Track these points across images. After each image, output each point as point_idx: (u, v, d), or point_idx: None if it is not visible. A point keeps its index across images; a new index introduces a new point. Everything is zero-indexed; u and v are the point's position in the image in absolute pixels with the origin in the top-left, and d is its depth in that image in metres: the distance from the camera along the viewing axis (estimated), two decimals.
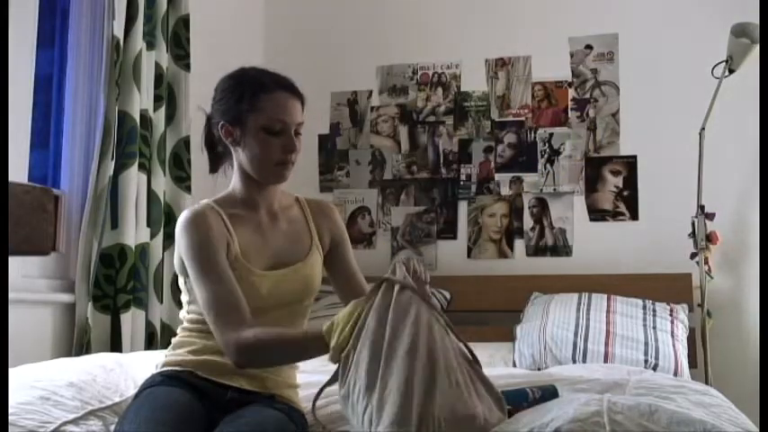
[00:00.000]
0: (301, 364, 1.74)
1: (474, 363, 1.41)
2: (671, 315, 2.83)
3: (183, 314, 1.73)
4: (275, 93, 1.64)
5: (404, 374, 1.26)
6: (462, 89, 3.58)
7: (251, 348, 1.49)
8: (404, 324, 1.33)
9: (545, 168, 3.44)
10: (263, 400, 1.59)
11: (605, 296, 2.91)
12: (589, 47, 3.45)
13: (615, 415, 1.20)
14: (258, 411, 1.53)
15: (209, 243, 1.60)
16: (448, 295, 3.20)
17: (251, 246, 1.66)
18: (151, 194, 2.66)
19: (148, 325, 2.60)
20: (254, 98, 1.63)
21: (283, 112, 1.63)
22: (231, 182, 1.74)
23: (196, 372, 1.60)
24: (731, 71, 2.97)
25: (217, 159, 1.77)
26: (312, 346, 1.47)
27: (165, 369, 1.63)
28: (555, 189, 3.42)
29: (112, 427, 1.56)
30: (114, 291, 2.48)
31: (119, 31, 2.51)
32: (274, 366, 1.62)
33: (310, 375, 1.78)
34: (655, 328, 2.73)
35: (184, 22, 2.88)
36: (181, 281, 1.71)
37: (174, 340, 1.71)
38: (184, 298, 1.71)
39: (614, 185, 3.36)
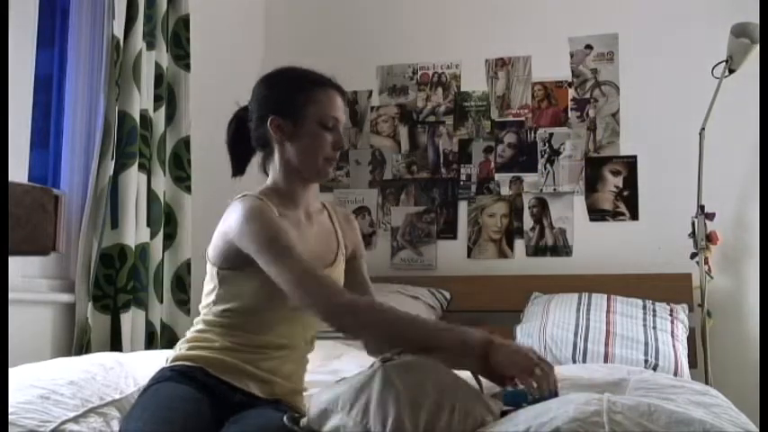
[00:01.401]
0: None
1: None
2: (671, 315, 2.83)
3: (204, 309, 1.68)
4: (329, 89, 1.69)
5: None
6: (462, 89, 3.58)
7: (373, 307, 1.49)
8: None
9: (545, 168, 3.44)
10: (269, 404, 1.58)
11: (605, 296, 2.90)
12: (589, 47, 3.45)
13: (615, 415, 1.20)
14: (262, 413, 1.52)
15: (279, 227, 1.58)
16: (448, 295, 3.20)
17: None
18: (151, 194, 2.66)
19: (148, 325, 2.60)
20: (312, 91, 1.67)
21: (337, 109, 1.68)
22: (269, 179, 1.73)
23: (207, 369, 1.58)
24: (731, 71, 2.98)
25: (243, 160, 1.76)
26: (447, 334, 1.49)
27: (175, 364, 1.61)
28: (555, 189, 3.42)
29: (113, 423, 1.56)
30: (114, 291, 2.47)
31: (119, 31, 2.51)
32: (377, 338, 1.55)
33: (311, 375, 1.78)
34: (655, 328, 2.73)
35: (184, 22, 2.88)
36: (212, 270, 1.66)
37: (189, 335, 1.68)
38: (209, 287, 1.67)
39: (614, 185, 3.36)
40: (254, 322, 1.62)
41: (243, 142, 1.74)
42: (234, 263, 1.61)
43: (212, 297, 1.66)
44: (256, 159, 1.79)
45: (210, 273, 1.67)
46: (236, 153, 1.76)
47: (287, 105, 1.66)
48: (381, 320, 1.51)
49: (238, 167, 1.76)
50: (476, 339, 1.46)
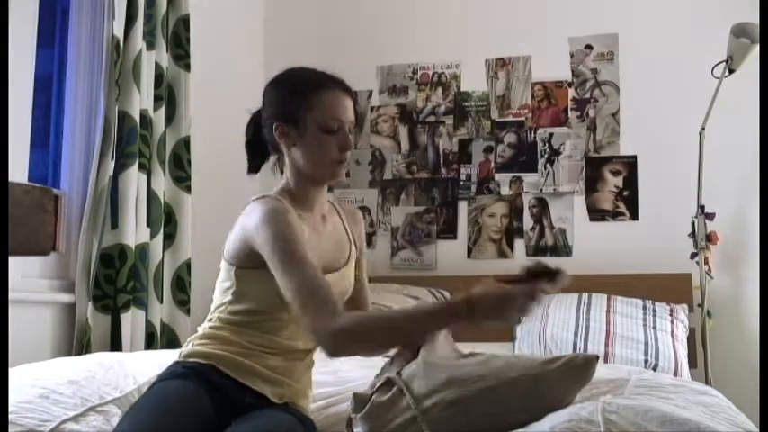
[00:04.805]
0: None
1: None
2: (671, 315, 2.83)
3: (219, 307, 1.66)
4: (330, 90, 1.65)
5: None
6: (462, 89, 3.59)
7: (349, 332, 1.43)
8: None
9: (545, 168, 3.44)
10: (277, 406, 1.58)
11: (605, 296, 2.91)
12: (589, 47, 3.45)
13: (610, 414, 1.20)
14: (270, 414, 1.51)
15: (294, 233, 1.56)
16: (448, 295, 3.19)
17: (309, 246, 1.61)
18: (151, 194, 2.66)
19: (148, 325, 2.60)
20: (310, 96, 1.63)
21: (338, 111, 1.64)
22: (284, 181, 1.72)
23: (219, 367, 1.57)
24: (731, 71, 2.97)
25: (258, 160, 1.76)
26: (434, 314, 1.45)
27: (188, 360, 1.60)
28: (555, 189, 3.42)
29: (113, 421, 1.55)
30: (114, 291, 2.48)
31: (119, 31, 2.51)
32: (375, 350, 1.53)
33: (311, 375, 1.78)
34: (655, 328, 2.73)
35: (184, 22, 2.88)
36: (229, 269, 1.64)
37: (203, 330, 1.66)
38: (225, 285, 1.65)
39: (614, 185, 3.36)
40: (270, 323, 1.61)
41: (260, 145, 1.73)
42: (252, 262, 1.59)
43: (228, 296, 1.64)
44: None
45: (227, 271, 1.65)
46: (252, 154, 1.76)
47: (288, 113, 1.65)
48: (367, 342, 1.47)
49: (253, 166, 1.76)
50: (458, 307, 1.41)
